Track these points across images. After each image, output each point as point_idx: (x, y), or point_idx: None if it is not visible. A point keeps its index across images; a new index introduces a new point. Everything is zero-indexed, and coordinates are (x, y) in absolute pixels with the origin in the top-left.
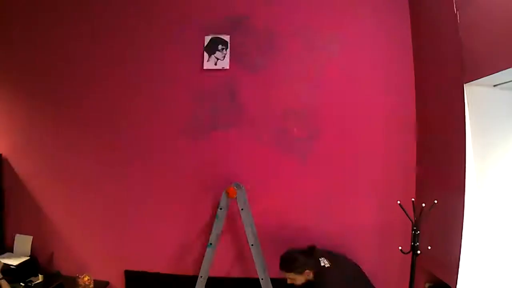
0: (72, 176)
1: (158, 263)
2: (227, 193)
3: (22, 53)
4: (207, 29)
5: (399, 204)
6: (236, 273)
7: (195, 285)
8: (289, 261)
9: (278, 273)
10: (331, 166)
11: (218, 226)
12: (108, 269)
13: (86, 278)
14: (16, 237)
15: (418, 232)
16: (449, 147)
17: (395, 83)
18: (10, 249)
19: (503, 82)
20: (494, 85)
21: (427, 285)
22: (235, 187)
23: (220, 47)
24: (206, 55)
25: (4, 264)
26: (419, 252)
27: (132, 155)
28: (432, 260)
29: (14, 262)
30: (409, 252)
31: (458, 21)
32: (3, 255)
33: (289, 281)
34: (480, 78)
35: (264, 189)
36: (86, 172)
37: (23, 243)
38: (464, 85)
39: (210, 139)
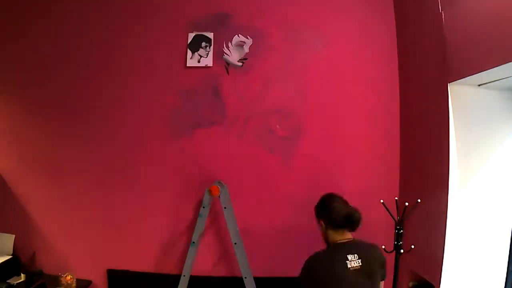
0: (55, 174)
1: (141, 262)
2: (210, 191)
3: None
4: (191, 26)
5: (382, 203)
6: (219, 272)
7: (178, 284)
8: None
9: (261, 272)
10: (315, 165)
11: (201, 225)
12: (90, 268)
13: (68, 277)
14: None
15: (402, 231)
16: (433, 147)
17: (379, 82)
18: None
19: (487, 81)
20: (479, 85)
21: (410, 284)
22: (218, 185)
23: (203, 44)
24: (189, 52)
25: None
26: (402, 251)
27: (114, 154)
28: (415, 259)
29: None
30: (392, 251)
31: (443, 21)
32: None
33: None
34: (465, 77)
35: (247, 187)
36: (69, 170)
37: (5, 242)
38: (449, 84)
39: (193, 137)
